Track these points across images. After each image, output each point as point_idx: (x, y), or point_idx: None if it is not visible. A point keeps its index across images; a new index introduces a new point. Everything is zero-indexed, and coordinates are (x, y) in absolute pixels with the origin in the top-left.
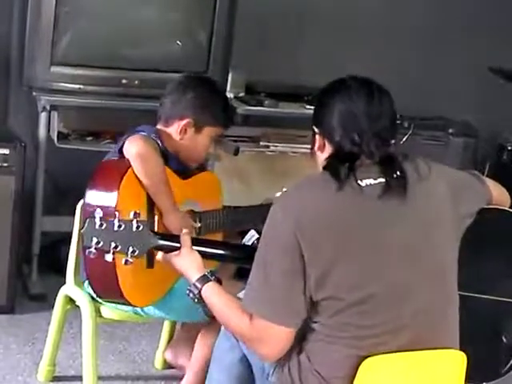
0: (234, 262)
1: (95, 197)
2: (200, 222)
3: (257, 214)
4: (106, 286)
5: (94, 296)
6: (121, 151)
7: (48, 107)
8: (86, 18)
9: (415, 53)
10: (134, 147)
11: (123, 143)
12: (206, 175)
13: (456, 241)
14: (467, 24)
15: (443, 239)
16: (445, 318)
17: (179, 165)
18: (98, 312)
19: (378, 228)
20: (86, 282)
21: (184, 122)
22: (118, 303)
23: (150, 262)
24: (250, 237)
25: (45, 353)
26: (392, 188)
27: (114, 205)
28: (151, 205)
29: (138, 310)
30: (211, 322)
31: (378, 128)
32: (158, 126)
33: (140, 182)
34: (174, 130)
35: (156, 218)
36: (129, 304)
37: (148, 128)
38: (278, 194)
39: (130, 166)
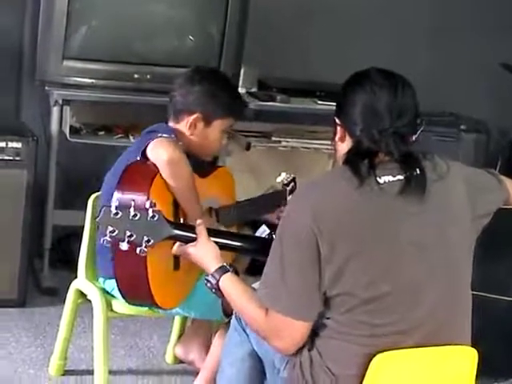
0: (249, 253)
1: (124, 200)
2: (217, 217)
3: (264, 203)
4: (135, 288)
5: (119, 297)
6: (143, 154)
7: (60, 101)
8: (99, 13)
9: (426, 48)
10: (163, 153)
11: (146, 146)
12: (221, 171)
13: (472, 240)
14: (479, 20)
15: (459, 238)
16: (457, 316)
17: (195, 162)
18: (109, 306)
19: (394, 226)
20: (102, 278)
21: (193, 116)
22: (144, 305)
23: (177, 264)
24: (262, 231)
25: (56, 347)
26: (411, 186)
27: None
28: (176, 208)
29: None
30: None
31: (399, 125)
32: (170, 124)
33: (167, 186)
34: (183, 125)
35: (181, 221)
36: (156, 306)
37: (163, 127)
38: (279, 179)
39: (158, 170)
